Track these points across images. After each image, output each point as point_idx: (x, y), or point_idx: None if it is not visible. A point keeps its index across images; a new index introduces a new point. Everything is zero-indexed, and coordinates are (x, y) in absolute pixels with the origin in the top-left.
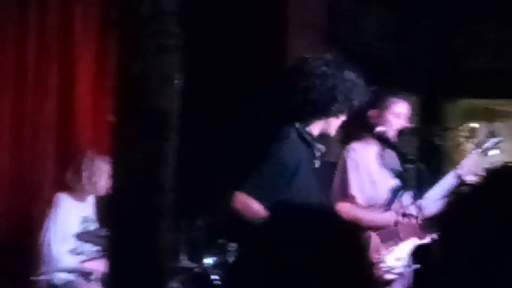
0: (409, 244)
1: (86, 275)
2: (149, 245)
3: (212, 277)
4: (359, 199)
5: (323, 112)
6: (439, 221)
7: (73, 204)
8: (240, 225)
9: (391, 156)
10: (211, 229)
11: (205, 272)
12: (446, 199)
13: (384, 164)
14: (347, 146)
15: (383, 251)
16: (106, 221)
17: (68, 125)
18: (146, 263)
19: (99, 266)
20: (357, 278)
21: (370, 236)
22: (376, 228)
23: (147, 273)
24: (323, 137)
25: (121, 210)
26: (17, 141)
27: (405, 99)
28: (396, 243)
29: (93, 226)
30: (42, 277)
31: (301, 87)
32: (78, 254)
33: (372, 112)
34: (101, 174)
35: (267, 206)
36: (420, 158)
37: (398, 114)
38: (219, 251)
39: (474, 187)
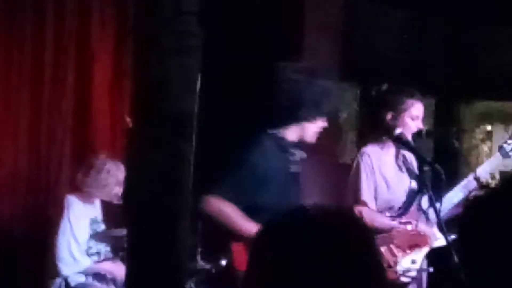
0: (425, 248)
1: (100, 276)
2: (167, 245)
3: None
4: (370, 204)
5: (292, 117)
6: (457, 223)
7: (83, 205)
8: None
9: (409, 159)
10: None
11: (221, 272)
12: (464, 202)
13: (401, 167)
14: (362, 149)
15: (399, 254)
16: (123, 221)
17: (84, 127)
18: (163, 264)
19: (113, 268)
20: (368, 281)
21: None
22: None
23: (164, 273)
24: (301, 143)
25: (138, 210)
26: (33, 142)
27: (421, 100)
28: (389, 250)
29: (100, 228)
30: (57, 279)
31: (271, 93)
32: (92, 254)
33: (389, 114)
34: (113, 182)
35: (242, 208)
36: (436, 161)
37: (415, 116)
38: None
39: (492, 190)
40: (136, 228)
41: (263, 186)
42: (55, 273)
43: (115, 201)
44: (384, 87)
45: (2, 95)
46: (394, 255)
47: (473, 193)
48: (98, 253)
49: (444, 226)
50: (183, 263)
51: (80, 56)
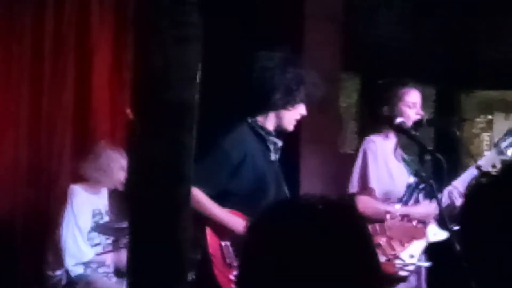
0: (423, 242)
1: (102, 266)
2: (168, 237)
3: None
4: (378, 191)
5: (268, 105)
6: (459, 214)
7: (86, 196)
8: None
9: (409, 151)
10: None
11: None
12: (465, 193)
13: (401, 159)
14: (367, 137)
15: (398, 248)
16: (122, 214)
17: (85, 118)
18: (165, 255)
19: (116, 258)
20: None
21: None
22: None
23: (166, 265)
24: (280, 131)
25: (141, 202)
26: (34, 134)
27: (416, 88)
28: (388, 243)
29: (104, 219)
30: (58, 271)
31: (245, 81)
32: (95, 245)
33: (385, 108)
34: (115, 166)
35: (210, 195)
36: (437, 150)
37: (412, 104)
38: None
39: (492, 180)
40: (137, 219)
41: (236, 173)
42: (57, 265)
43: (120, 188)
44: (377, 81)
45: (2, 87)
46: (393, 248)
47: (474, 181)
48: (99, 244)
49: (446, 217)
50: (185, 254)
51: (80, 47)
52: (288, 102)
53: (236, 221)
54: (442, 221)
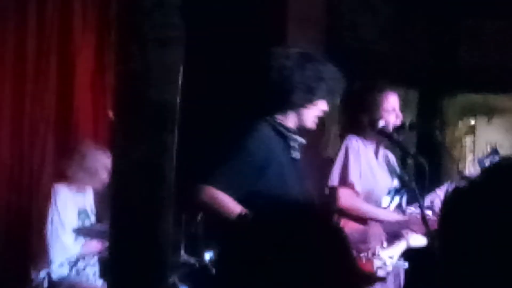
0: (403, 243)
1: (88, 264)
2: (150, 239)
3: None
4: (358, 186)
5: (287, 104)
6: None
7: (71, 195)
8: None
9: (390, 158)
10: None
11: (206, 267)
12: (445, 193)
13: (382, 163)
14: (348, 135)
15: (378, 247)
16: (107, 214)
17: (67, 119)
18: (146, 257)
19: (100, 247)
20: (339, 273)
21: (367, 230)
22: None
23: (147, 267)
24: (301, 129)
25: (122, 203)
26: (16, 135)
27: (393, 92)
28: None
29: (88, 219)
30: (41, 272)
31: (262, 80)
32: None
33: (365, 114)
34: (100, 166)
35: (237, 198)
36: (420, 153)
37: (390, 108)
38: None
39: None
40: (118, 221)
41: (263, 174)
42: (42, 264)
43: (102, 188)
44: (355, 86)
45: None
46: (372, 248)
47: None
48: (86, 243)
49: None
50: (166, 256)
51: (63, 48)
52: (307, 99)
53: None
54: (425, 226)
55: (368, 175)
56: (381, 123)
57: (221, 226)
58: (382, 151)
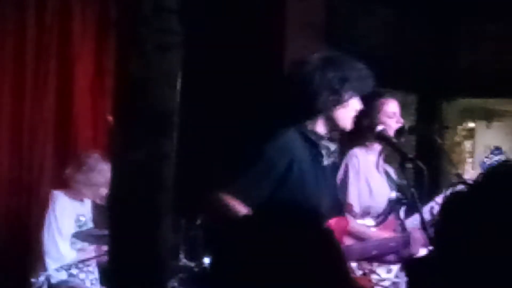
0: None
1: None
2: (149, 244)
3: None
4: (356, 208)
5: (312, 110)
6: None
7: (69, 202)
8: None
9: (390, 169)
10: (210, 228)
11: (205, 271)
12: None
13: (384, 172)
14: (350, 151)
15: (374, 263)
16: (107, 220)
17: (66, 125)
18: (146, 262)
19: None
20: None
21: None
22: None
23: (147, 272)
24: (335, 133)
25: (121, 208)
26: (15, 141)
27: (393, 97)
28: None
29: (87, 226)
30: (40, 277)
31: (285, 88)
32: (78, 250)
33: (365, 119)
34: (99, 174)
35: (252, 208)
36: (419, 158)
37: (391, 114)
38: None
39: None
40: (118, 226)
41: (285, 181)
42: (40, 269)
43: (101, 202)
44: None
45: None
46: (369, 263)
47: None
48: (82, 250)
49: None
50: (165, 261)
51: (62, 53)
52: (334, 102)
53: None
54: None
55: (365, 193)
56: (379, 127)
57: (220, 230)
58: (382, 162)
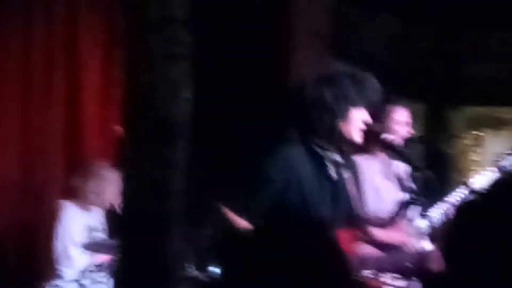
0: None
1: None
2: (157, 253)
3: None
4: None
5: (314, 123)
6: (448, 230)
7: (78, 212)
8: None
9: (399, 170)
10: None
11: (211, 280)
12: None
13: (390, 177)
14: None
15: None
16: (115, 229)
17: (74, 134)
18: (154, 271)
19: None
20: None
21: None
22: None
23: (155, 281)
24: (343, 145)
25: (130, 218)
26: (23, 150)
27: (404, 106)
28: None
29: (99, 235)
30: (49, 285)
31: (290, 103)
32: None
33: (375, 126)
34: (107, 184)
35: (251, 222)
36: (426, 166)
37: (400, 122)
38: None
39: (483, 196)
40: (127, 236)
41: (282, 195)
42: (48, 279)
43: (108, 208)
44: None
45: None
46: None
47: (465, 200)
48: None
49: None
50: (174, 271)
51: (70, 64)
52: (339, 114)
53: None
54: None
55: (372, 198)
56: (386, 135)
57: (227, 241)
58: (390, 169)
